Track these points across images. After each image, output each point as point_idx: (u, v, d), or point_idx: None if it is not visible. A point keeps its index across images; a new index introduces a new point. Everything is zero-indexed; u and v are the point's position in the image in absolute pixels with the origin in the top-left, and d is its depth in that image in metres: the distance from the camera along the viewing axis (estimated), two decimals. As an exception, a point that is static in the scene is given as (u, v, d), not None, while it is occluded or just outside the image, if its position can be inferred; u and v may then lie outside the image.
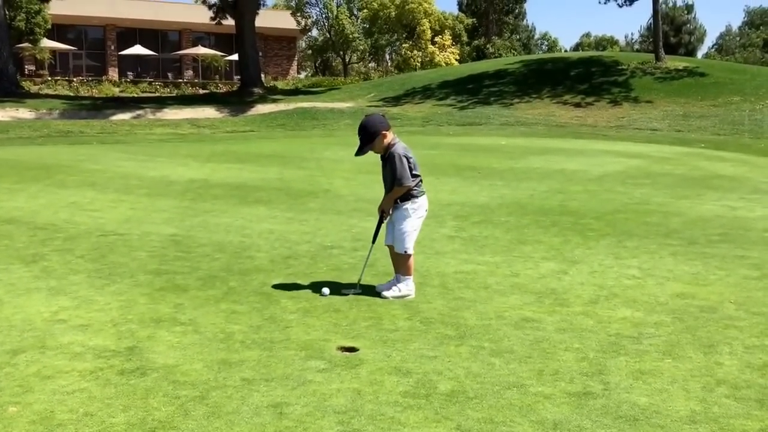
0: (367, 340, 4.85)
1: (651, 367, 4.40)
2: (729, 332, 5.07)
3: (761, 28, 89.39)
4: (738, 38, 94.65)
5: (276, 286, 6.13)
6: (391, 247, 6.03)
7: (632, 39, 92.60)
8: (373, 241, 6.16)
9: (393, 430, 3.55)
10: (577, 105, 31.40)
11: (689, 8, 79.43)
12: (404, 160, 5.75)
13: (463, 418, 3.68)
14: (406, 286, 5.87)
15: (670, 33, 69.99)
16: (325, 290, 5.91)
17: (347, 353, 4.63)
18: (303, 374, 4.25)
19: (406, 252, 5.87)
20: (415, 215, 5.91)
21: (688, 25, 78.60)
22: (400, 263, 5.93)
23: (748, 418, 3.69)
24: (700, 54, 78.48)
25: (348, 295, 5.84)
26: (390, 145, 5.82)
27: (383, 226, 6.09)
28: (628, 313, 5.50)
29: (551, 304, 5.70)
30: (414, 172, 5.83)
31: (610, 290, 6.12)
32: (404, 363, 4.45)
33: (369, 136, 5.80)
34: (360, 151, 5.88)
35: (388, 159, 5.83)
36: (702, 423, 3.65)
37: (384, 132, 5.79)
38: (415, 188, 5.87)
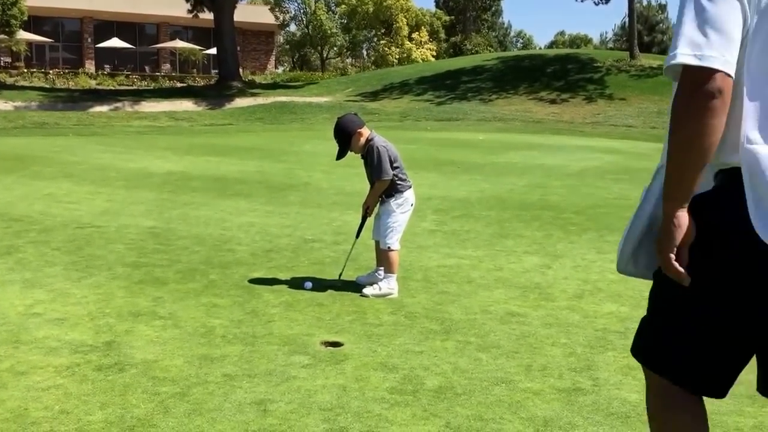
0: (351, 335, 4.76)
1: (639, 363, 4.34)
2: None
3: None
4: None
5: (257, 280, 6.02)
6: (377, 243, 5.95)
7: (607, 37, 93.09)
8: (357, 237, 6.07)
9: (380, 427, 3.47)
10: (554, 101, 31.48)
11: (662, 8, 79.99)
12: (383, 153, 5.66)
13: (452, 415, 3.60)
14: (388, 285, 5.74)
15: (644, 32, 70.34)
16: (308, 284, 5.82)
17: (331, 348, 4.54)
18: (287, 370, 4.15)
19: (389, 248, 5.77)
20: (400, 210, 5.82)
21: (662, 25, 79.14)
22: (384, 259, 5.84)
23: (740, 415, 3.64)
24: (673, 53, 78.83)
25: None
26: (368, 141, 5.74)
27: (369, 220, 6.01)
28: (613, 307, 5.45)
29: (536, 298, 5.64)
30: (395, 165, 5.74)
31: (595, 285, 6.07)
32: (390, 358, 4.36)
33: (345, 136, 5.72)
34: (340, 155, 5.82)
35: (368, 155, 5.74)
36: (694, 419, 3.58)
37: (359, 130, 5.71)
38: (399, 182, 5.78)
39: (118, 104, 31.28)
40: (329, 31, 62.40)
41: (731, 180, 2.04)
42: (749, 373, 4.22)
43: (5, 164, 13.20)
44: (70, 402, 3.68)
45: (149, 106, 31.24)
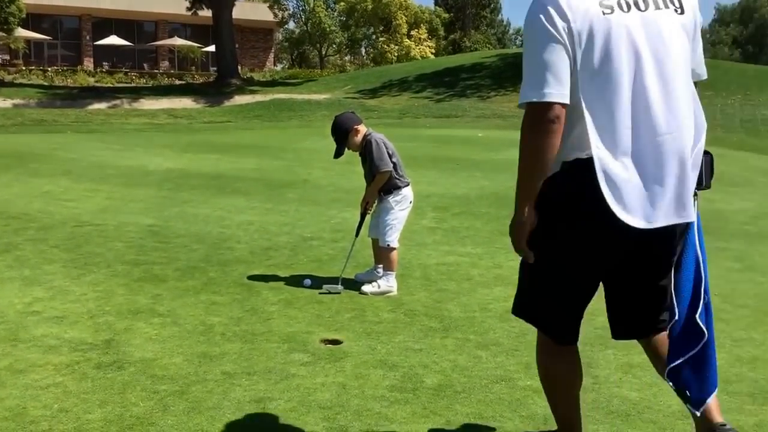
0: (350, 333, 4.75)
1: (639, 361, 4.32)
2: (716, 325, 4.95)
3: (731, 25, 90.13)
4: (708, 35, 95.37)
5: (256, 278, 6.01)
6: (375, 240, 5.93)
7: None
8: (356, 235, 6.05)
9: (380, 425, 3.46)
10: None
11: (663, 2, 79.89)
12: (381, 145, 5.66)
13: (452, 413, 3.59)
14: (387, 282, 5.73)
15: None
16: (307, 281, 5.81)
17: (331, 346, 4.53)
18: (286, 368, 4.14)
19: (388, 246, 5.76)
20: (398, 207, 5.81)
21: (662, 20, 79.02)
22: (383, 257, 5.83)
23: (741, 413, 3.63)
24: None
25: (329, 293, 5.69)
26: (365, 137, 5.73)
27: (367, 218, 5.99)
28: (613, 305, 5.43)
29: (536, 296, 5.62)
30: (392, 159, 5.73)
31: (595, 283, 6.05)
32: (389, 356, 4.35)
33: (342, 134, 5.72)
34: (338, 153, 5.80)
35: (366, 149, 5.73)
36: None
37: (356, 127, 5.71)
38: (398, 179, 5.77)
39: (117, 102, 31.24)
40: (328, 29, 62.33)
41: (575, 167, 2.69)
42: (751, 370, 4.24)
43: (3, 161, 13.18)
44: (69, 400, 3.67)
45: (148, 104, 31.21)
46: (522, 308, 3.12)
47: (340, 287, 5.71)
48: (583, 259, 2.82)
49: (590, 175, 2.61)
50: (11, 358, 4.21)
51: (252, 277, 6.02)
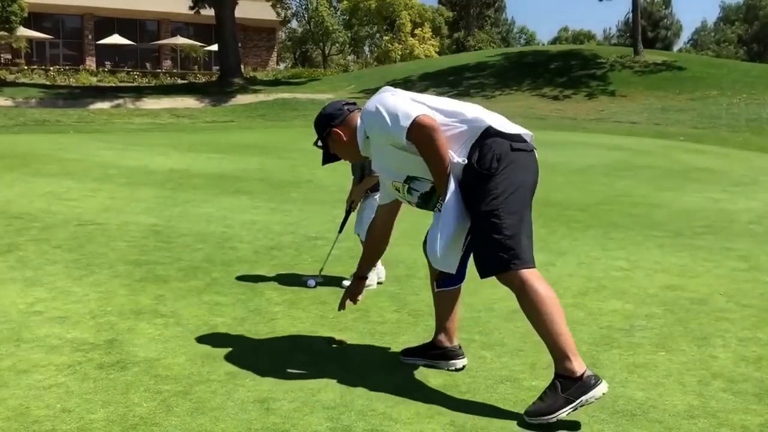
0: (354, 333, 4.73)
1: (645, 361, 4.32)
2: (721, 325, 5.00)
3: (736, 23, 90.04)
4: (713, 34, 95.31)
5: (260, 278, 5.99)
6: (360, 236, 5.94)
7: (610, 33, 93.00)
8: (339, 232, 6.05)
9: (385, 425, 3.43)
10: (557, 98, 31.42)
11: (666, 3, 79.85)
12: None
13: (456, 414, 3.57)
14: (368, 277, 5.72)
15: (648, 27, 70.33)
16: (311, 282, 5.79)
17: (335, 346, 4.51)
18: (290, 368, 4.12)
19: None
20: None
21: (666, 20, 79.02)
22: None
23: (747, 413, 3.60)
24: (675, 49, 79.02)
25: (310, 285, 5.72)
26: None
27: (353, 215, 5.99)
28: (618, 305, 5.42)
29: (540, 296, 5.59)
30: None
31: (599, 282, 6.04)
32: (394, 356, 4.33)
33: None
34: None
35: None
36: (700, 418, 3.56)
37: None
38: None
39: (119, 101, 31.26)
40: (331, 28, 62.35)
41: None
42: (756, 370, 4.22)
43: (6, 161, 13.17)
44: (72, 400, 3.65)
45: (150, 103, 31.21)
46: (508, 257, 3.57)
47: (312, 281, 5.76)
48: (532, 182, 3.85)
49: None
50: (14, 359, 4.19)
51: (256, 277, 6.01)
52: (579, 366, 3.51)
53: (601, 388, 3.47)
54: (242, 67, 43.93)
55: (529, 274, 3.57)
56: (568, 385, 3.47)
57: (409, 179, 3.86)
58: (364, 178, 5.75)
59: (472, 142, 3.69)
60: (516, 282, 3.59)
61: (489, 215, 3.59)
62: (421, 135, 3.59)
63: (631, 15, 47.07)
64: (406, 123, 3.60)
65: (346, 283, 5.69)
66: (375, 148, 3.90)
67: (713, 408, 3.68)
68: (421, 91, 33.67)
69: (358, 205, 5.94)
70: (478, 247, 3.72)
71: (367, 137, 3.85)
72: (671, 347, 4.55)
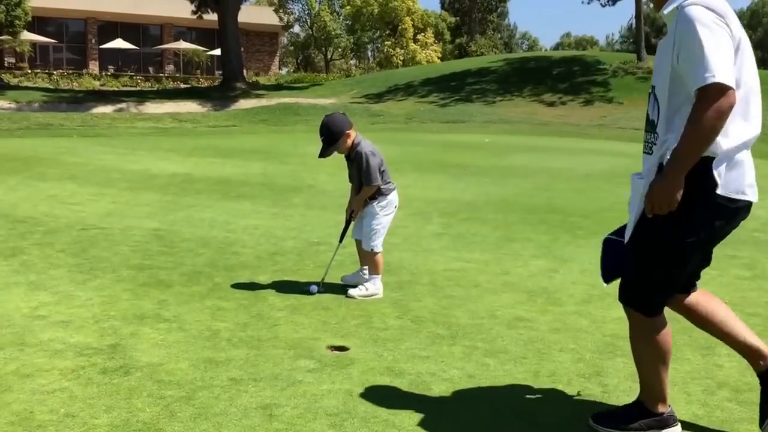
0: (357, 339, 4.73)
1: (649, 369, 4.30)
2: (725, 333, 4.97)
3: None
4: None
5: (263, 283, 5.99)
6: (358, 242, 5.94)
7: (613, 39, 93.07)
8: (340, 241, 6.06)
9: (388, 433, 3.43)
10: (560, 103, 31.41)
11: (670, 9, 79.81)
12: (372, 160, 5.67)
13: (459, 422, 3.56)
14: (374, 285, 5.74)
15: (651, 34, 70.28)
16: (313, 288, 5.78)
17: (337, 352, 4.51)
18: (292, 374, 4.12)
19: (372, 250, 5.78)
20: (383, 212, 5.83)
21: (669, 26, 78.91)
22: (368, 261, 5.84)
23: (753, 423, 3.59)
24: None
25: (313, 292, 5.72)
26: (355, 144, 5.72)
27: (352, 222, 6.01)
28: (622, 312, 5.33)
29: (543, 303, 5.60)
30: (381, 169, 5.75)
31: (603, 289, 6.00)
32: (396, 363, 4.33)
33: (333, 136, 5.67)
34: (324, 153, 5.75)
35: (355, 158, 5.73)
36: (706, 428, 3.55)
37: (348, 132, 5.68)
38: (384, 186, 5.80)
39: (122, 105, 31.30)
40: (333, 33, 62.42)
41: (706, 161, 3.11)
42: (762, 380, 4.16)
43: (9, 165, 13.19)
44: (76, 405, 3.65)
45: (153, 108, 31.25)
46: (644, 294, 3.57)
47: (315, 288, 5.75)
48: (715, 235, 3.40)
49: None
50: (18, 363, 4.19)
51: (258, 283, 6.00)
52: (663, 407, 3.52)
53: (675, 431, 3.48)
54: (245, 71, 43.96)
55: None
56: (648, 414, 3.50)
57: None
58: (362, 186, 5.74)
59: None
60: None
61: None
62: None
63: (634, 21, 47.14)
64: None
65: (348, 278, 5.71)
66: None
67: (718, 418, 3.67)
68: (424, 96, 33.65)
69: (359, 214, 5.94)
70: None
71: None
72: (676, 356, 4.53)
